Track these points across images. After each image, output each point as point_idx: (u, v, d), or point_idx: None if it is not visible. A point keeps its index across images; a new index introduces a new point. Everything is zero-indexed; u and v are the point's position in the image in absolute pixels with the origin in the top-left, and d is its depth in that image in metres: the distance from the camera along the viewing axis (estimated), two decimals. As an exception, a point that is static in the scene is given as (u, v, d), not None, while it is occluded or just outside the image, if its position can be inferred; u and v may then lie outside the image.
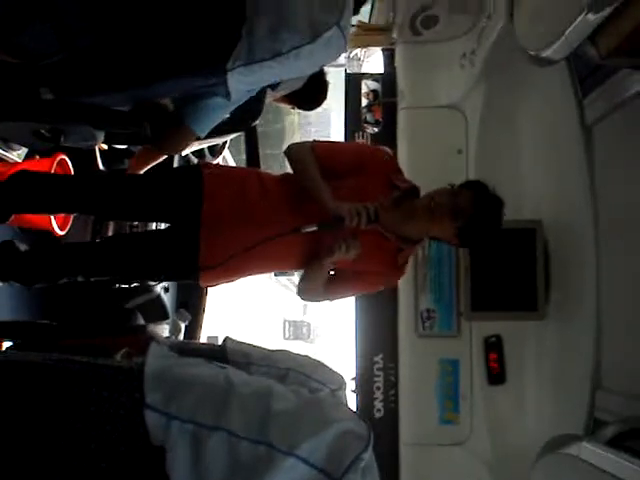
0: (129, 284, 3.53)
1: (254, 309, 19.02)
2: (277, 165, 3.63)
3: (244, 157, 4.22)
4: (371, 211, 2.79)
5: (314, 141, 3.12)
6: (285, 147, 3.12)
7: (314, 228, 2.84)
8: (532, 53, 2.67)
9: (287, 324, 29.74)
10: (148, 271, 3.20)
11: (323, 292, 3.16)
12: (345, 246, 2.79)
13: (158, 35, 2.56)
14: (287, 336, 29.92)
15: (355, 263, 3.01)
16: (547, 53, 2.56)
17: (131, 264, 3.14)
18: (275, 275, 4.24)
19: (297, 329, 30.07)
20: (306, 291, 3.20)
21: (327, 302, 3.34)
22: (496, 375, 3.95)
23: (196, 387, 1.41)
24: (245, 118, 3.31)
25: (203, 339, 5.13)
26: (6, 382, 1.42)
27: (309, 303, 3.56)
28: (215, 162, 4.27)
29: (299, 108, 3.82)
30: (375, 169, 3.06)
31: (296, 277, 3.49)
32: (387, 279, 3.35)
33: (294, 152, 3.07)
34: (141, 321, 3.93)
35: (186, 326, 4.51)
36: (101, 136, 3.03)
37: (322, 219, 2.88)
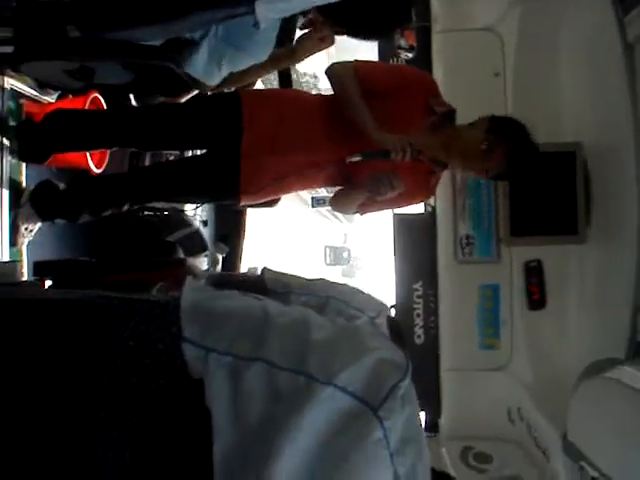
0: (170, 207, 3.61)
1: (295, 237, 19.15)
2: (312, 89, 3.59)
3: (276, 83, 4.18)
4: (415, 147, 2.80)
5: (356, 61, 3.08)
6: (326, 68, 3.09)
7: (359, 158, 2.85)
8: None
9: (328, 250, 30.16)
10: (190, 192, 3.25)
11: (355, 208, 3.21)
12: (390, 185, 2.77)
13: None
14: (328, 262, 30.31)
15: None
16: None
17: (173, 186, 3.18)
18: (313, 206, 4.30)
19: (337, 255, 30.53)
20: (339, 207, 3.32)
21: (358, 215, 3.38)
22: (537, 300, 3.94)
23: (233, 319, 1.42)
24: (276, 43, 3.28)
25: (243, 270, 5.18)
26: (47, 319, 1.44)
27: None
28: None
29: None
30: (415, 92, 3.02)
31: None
32: (418, 199, 3.46)
33: (335, 73, 3.03)
34: (181, 254, 3.97)
35: (224, 258, 4.54)
36: (131, 75, 3.03)
37: (365, 148, 2.88)
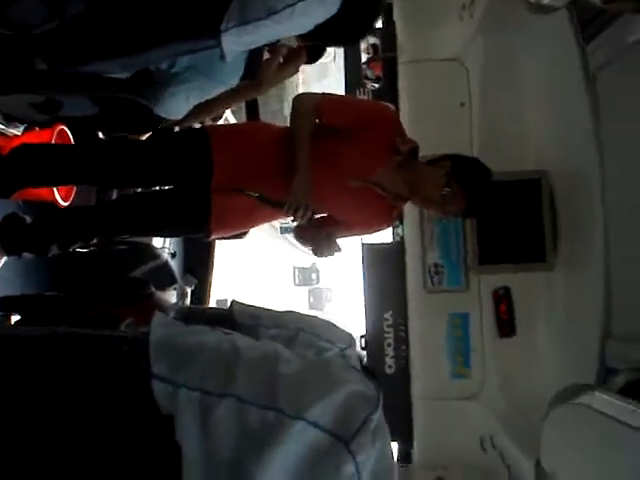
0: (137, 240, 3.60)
1: (263, 258, 19.23)
2: (280, 121, 3.60)
3: (244, 115, 4.19)
4: (307, 215, 2.87)
5: (323, 94, 3.10)
6: (288, 101, 3.13)
7: (255, 195, 2.90)
8: (532, 1, 2.63)
9: (297, 271, 30.44)
10: (159, 226, 3.25)
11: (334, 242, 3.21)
12: (294, 212, 2.84)
13: (150, -1, 2.53)
14: (297, 282, 30.58)
15: (351, 215, 3.18)
16: (547, 0, 2.52)
17: (142, 219, 3.17)
18: (281, 233, 4.33)
19: (306, 276, 30.89)
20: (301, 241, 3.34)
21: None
22: (506, 327, 3.95)
23: (202, 354, 1.40)
24: (242, 77, 3.28)
25: (212, 302, 5.15)
26: (12, 357, 1.42)
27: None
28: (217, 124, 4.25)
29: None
30: (381, 131, 3.04)
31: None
32: (378, 229, 3.47)
33: (298, 103, 3.06)
34: (150, 288, 3.93)
35: (193, 290, 4.52)
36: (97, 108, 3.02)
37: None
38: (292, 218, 2.88)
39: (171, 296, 4.05)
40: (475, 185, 2.94)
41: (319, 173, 2.95)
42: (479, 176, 2.99)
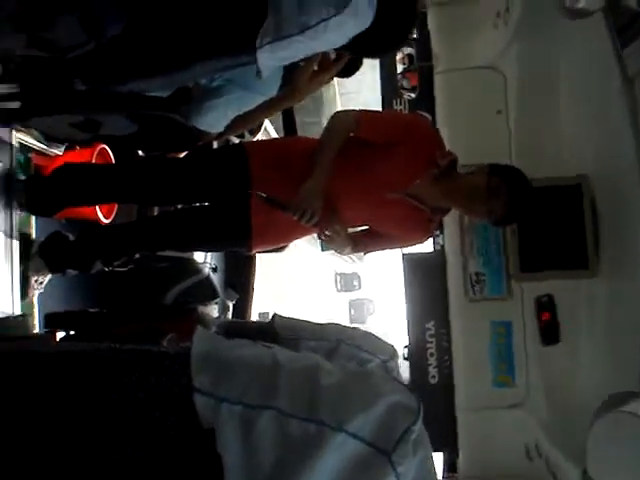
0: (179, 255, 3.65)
1: (305, 265, 19.26)
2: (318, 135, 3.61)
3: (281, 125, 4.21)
4: (313, 220, 2.86)
5: (360, 110, 3.11)
6: (325, 113, 3.15)
7: (263, 197, 2.91)
8: (567, 6, 2.61)
9: (338, 277, 30.57)
10: (200, 241, 3.29)
11: (354, 247, 3.23)
12: (300, 215, 2.85)
13: (186, 18, 2.56)
14: (339, 288, 30.68)
15: (388, 228, 3.21)
16: (583, 4, 2.51)
17: (184, 234, 3.22)
18: (322, 250, 4.33)
19: (348, 282, 31.00)
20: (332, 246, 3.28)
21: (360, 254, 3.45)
22: (550, 335, 3.91)
23: (243, 368, 1.42)
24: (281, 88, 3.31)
25: (254, 316, 5.17)
26: (57, 373, 1.45)
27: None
28: (255, 139, 4.28)
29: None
30: (418, 145, 3.04)
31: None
32: (415, 242, 3.50)
33: (335, 119, 3.08)
34: (191, 303, 3.97)
35: (234, 304, 4.54)
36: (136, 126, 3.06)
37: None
38: (299, 220, 2.87)
39: (213, 310, 4.08)
40: (514, 178, 2.95)
41: (358, 187, 2.97)
42: (515, 171, 3.01)
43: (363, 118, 3.05)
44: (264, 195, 2.92)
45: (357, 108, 3.19)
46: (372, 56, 3.26)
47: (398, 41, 2.99)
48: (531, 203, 3.01)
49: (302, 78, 3.23)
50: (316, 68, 3.24)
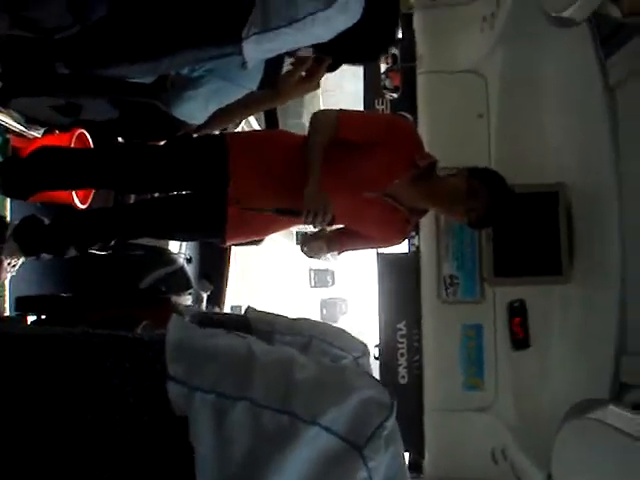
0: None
1: (279, 260, 19.27)
2: (298, 128, 3.61)
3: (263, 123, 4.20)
4: (327, 218, 2.83)
5: (340, 111, 3.10)
6: (307, 114, 3.16)
7: (271, 210, 2.91)
8: (553, 14, 2.62)
9: (312, 273, 30.63)
10: (176, 230, 3.27)
11: (327, 248, 3.27)
12: (314, 218, 2.83)
13: (172, 5, 2.55)
14: (313, 284, 30.74)
15: (365, 228, 3.21)
16: (568, 13, 2.52)
17: (160, 223, 3.19)
18: (297, 243, 4.37)
19: (322, 277, 31.08)
20: (309, 252, 3.32)
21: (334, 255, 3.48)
22: (520, 340, 3.94)
23: (218, 357, 1.41)
24: (262, 86, 3.29)
25: (227, 309, 5.16)
26: (28, 356, 1.43)
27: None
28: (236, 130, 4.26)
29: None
30: (398, 146, 3.05)
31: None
32: (392, 243, 3.49)
33: (316, 119, 3.07)
34: (165, 292, 3.96)
35: (208, 296, 4.53)
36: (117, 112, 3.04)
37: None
38: (312, 224, 2.88)
39: (186, 301, 4.07)
40: (493, 180, 2.98)
41: (336, 186, 2.96)
42: (494, 174, 3.03)
43: (344, 119, 3.05)
44: (271, 210, 2.93)
45: (337, 107, 3.18)
46: (354, 62, 3.26)
47: (380, 49, 3.01)
48: (510, 205, 3.02)
49: (288, 82, 3.22)
50: (303, 74, 3.23)
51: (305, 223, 2.88)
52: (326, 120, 3.05)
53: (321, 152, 2.94)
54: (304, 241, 3.24)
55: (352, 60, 3.12)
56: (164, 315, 1.60)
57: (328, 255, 3.38)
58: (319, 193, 2.85)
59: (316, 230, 3.03)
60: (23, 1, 2.33)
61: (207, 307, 4.42)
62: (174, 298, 3.18)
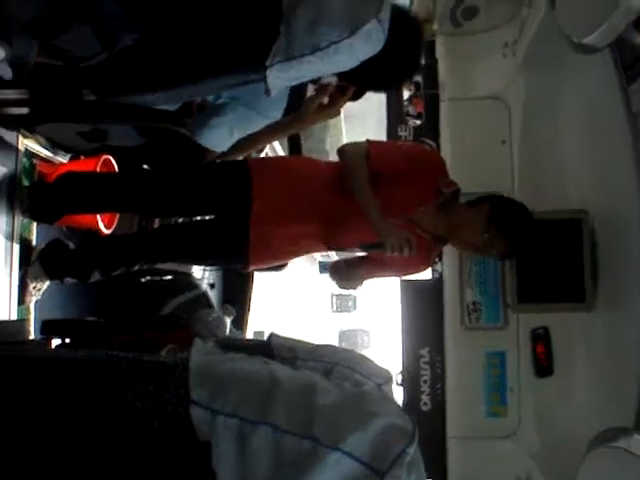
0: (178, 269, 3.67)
1: (302, 285, 19.28)
2: (322, 156, 3.63)
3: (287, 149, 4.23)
4: (413, 244, 2.84)
5: (368, 142, 3.11)
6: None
7: (357, 250, 2.94)
8: (575, 40, 2.63)
9: (334, 298, 30.48)
10: (199, 255, 3.30)
11: (355, 281, 3.32)
12: (401, 248, 2.82)
13: (198, 33, 2.58)
14: (335, 309, 30.55)
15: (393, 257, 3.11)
16: (590, 40, 2.52)
17: (183, 248, 3.22)
18: (320, 273, 4.39)
19: (344, 302, 30.87)
20: (338, 281, 3.37)
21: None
22: (544, 367, 3.90)
23: (240, 382, 1.42)
24: (286, 114, 3.32)
25: (250, 334, 5.16)
26: (52, 379, 1.44)
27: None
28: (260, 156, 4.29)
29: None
30: (424, 175, 3.07)
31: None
32: (417, 270, 3.52)
33: (347, 155, 3.08)
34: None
35: (232, 321, 4.54)
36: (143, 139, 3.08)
37: (364, 235, 3.02)
38: (399, 253, 2.86)
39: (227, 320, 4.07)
40: (515, 230, 2.95)
41: (355, 213, 2.98)
42: (519, 220, 3.00)
43: (373, 151, 3.06)
44: (357, 249, 2.96)
45: (361, 134, 3.20)
46: (377, 90, 3.28)
47: (403, 77, 3.03)
48: (529, 244, 3.01)
49: (310, 107, 3.24)
50: (326, 101, 3.25)
51: (392, 254, 2.86)
52: (357, 153, 3.06)
53: (368, 184, 2.95)
54: (336, 274, 3.25)
55: (375, 88, 3.14)
56: (187, 338, 1.61)
57: (361, 285, 3.37)
58: (389, 225, 2.86)
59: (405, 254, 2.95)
60: (52, 30, 2.37)
61: (231, 332, 4.43)
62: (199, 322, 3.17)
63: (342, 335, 31.26)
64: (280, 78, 2.60)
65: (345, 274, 3.28)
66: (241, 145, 3.32)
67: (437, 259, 4.21)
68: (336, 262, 3.41)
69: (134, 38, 2.53)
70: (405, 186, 3.02)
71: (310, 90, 3.26)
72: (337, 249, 3.37)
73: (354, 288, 3.31)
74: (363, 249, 2.98)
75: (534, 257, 3.75)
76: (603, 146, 3.44)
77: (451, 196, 3.06)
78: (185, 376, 1.38)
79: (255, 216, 3.05)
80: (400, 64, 2.84)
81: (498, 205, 3.01)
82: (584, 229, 3.65)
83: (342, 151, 3.12)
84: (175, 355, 1.84)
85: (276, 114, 3.21)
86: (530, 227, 3.00)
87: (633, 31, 2.37)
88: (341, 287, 3.32)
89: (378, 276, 3.42)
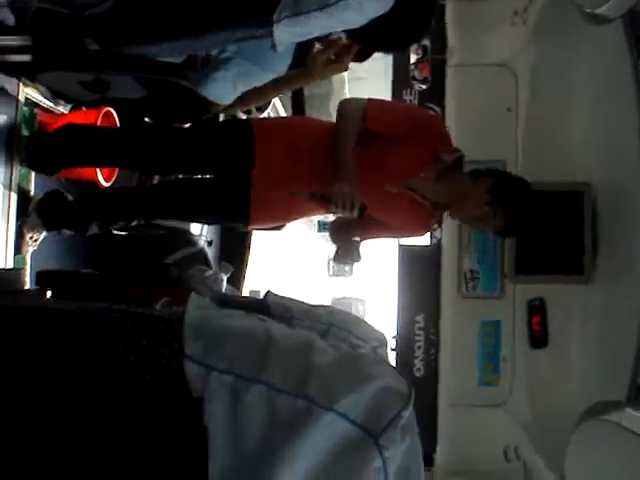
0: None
1: (298, 249, 19.33)
2: (324, 116, 3.59)
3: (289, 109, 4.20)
4: (356, 208, 2.76)
5: (369, 100, 3.07)
6: (334, 101, 3.14)
7: (305, 195, 2.86)
8: (587, 10, 2.60)
9: (331, 262, 30.51)
10: (199, 212, 3.28)
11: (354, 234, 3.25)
12: (342, 207, 2.79)
13: (205, -15, 2.54)
14: (331, 273, 30.59)
15: (387, 219, 3.18)
16: (602, 10, 2.50)
17: (183, 205, 3.20)
18: (319, 231, 4.36)
19: (340, 267, 30.88)
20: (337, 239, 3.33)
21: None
22: (538, 338, 3.92)
23: (236, 338, 1.40)
24: (291, 68, 3.28)
25: (246, 293, 5.16)
26: (46, 329, 1.43)
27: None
28: (262, 116, 4.25)
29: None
30: (425, 139, 3.01)
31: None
32: (415, 234, 3.49)
33: (344, 108, 3.04)
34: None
35: (228, 279, 4.53)
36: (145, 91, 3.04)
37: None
38: (342, 212, 2.84)
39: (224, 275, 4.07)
40: (515, 207, 2.91)
41: (359, 175, 2.94)
42: (520, 198, 2.95)
43: (372, 109, 3.01)
44: (305, 194, 2.90)
45: (366, 95, 3.15)
46: (387, 50, 3.23)
47: (412, 39, 2.98)
48: (529, 220, 2.98)
49: (317, 62, 3.20)
50: (332, 57, 3.21)
51: (335, 211, 2.85)
52: (355, 108, 3.01)
53: (352, 140, 2.91)
54: (337, 252, 3.23)
55: (382, 48, 3.09)
56: (184, 294, 1.59)
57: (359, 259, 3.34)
58: (349, 182, 2.81)
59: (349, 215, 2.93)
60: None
61: (227, 289, 4.42)
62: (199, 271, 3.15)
63: (336, 303, 31.08)
64: (287, 33, 2.55)
65: (343, 238, 3.25)
66: (246, 98, 3.28)
67: (437, 225, 4.19)
68: (335, 224, 3.38)
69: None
70: (404, 150, 2.98)
71: (316, 47, 3.22)
72: None
73: (352, 262, 3.28)
74: (310, 198, 2.91)
75: (534, 228, 3.74)
76: (610, 118, 3.41)
77: (454, 163, 3.02)
78: (180, 330, 1.37)
79: (256, 178, 3.03)
80: (410, 25, 2.79)
81: (501, 181, 2.97)
82: (586, 202, 3.64)
83: (342, 103, 3.08)
84: (170, 309, 1.83)
85: (281, 69, 3.17)
86: (531, 207, 2.96)
87: (647, 2, 2.33)
88: (340, 262, 3.30)
89: (373, 237, 3.39)
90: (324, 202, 2.82)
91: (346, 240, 3.19)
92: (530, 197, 2.95)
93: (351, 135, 2.93)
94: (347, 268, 31.15)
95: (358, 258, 3.18)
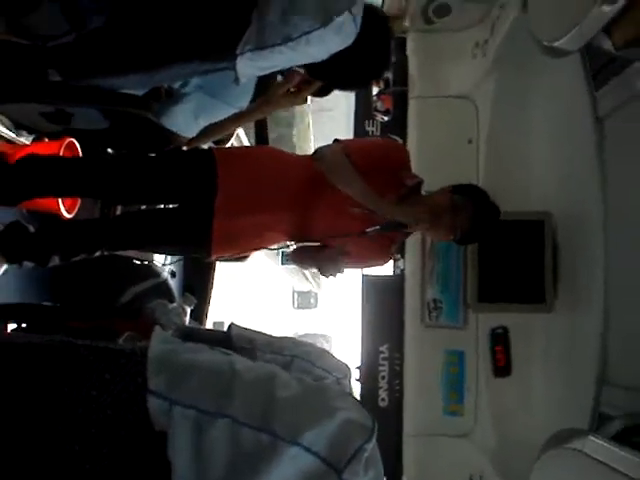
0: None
1: (263, 282, 19.23)
2: (287, 147, 3.60)
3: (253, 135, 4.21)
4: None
5: (337, 141, 3.09)
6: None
7: (376, 228, 2.94)
8: (545, 43, 2.64)
9: (296, 294, 30.41)
10: (161, 242, 3.25)
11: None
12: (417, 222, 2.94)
13: (169, 18, 2.55)
14: (296, 305, 30.48)
15: (352, 249, 3.13)
16: (561, 44, 2.54)
17: (145, 235, 3.17)
18: (282, 264, 4.34)
19: (305, 299, 30.77)
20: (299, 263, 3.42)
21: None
22: (502, 367, 3.93)
23: (199, 373, 1.40)
24: (252, 101, 3.30)
25: (209, 324, 5.13)
26: (7, 364, 1.41)
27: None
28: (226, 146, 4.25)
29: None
30: (390, 168, 3.05)
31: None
32: (377, 263, 3.50)
33: (328, 161, 3.04)
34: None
35: (192, 310, 4.50)
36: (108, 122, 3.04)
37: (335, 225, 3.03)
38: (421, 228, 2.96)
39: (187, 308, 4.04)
40: (477, 196, 2.97)
41: (323, 202, 2.96)
42: (478, 190, 3.03)
43: (349, 148, 3.04)
44: (377, 229, 2.96)
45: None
46: (344, 88, 3.26)
47: (371, 76, 3.03)
48: (494, 218, 3.01)
49: (277, 92, 3.22)
50: (293, 89, 3.23)
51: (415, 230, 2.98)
52: (337, 159, 3.02)
53: (355, 177, 2.95)
54: (319, 264, 3.22)
55: (342, 86, 3.13)
56: (146, 327, 1.58)
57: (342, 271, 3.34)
58: (394, 203, 2.90)
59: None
60: (18, 7, 2.33)
61: (190, 322, 4.40)
62: (161, 305, 3.13)
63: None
64: (250, 67, 2.57)
65: (321, 255, 3.24)
66: (208, 131, 3.29)
67: (399, 255, 4.21)
68: (299, 249, 3.37)
69: (104, 19, 2.49)
70: (372, 179, 3.01)
71: (278, 79, 3.24)
72: (305, 240, 3.33)
73: (337, 272, 3.26)
74: (384, 230, 2.96)
75: (495, 257, 3.78)
76: (569, 149, 3.47)
77: (413, 188, 3.06)
78: (143, 364, 1.36)
79: (219, 207, 3.02)
80: (369, 63, 2.83)
81: (460, 185, 3.05)
82: (546, 231, 3.68)
83: (320, 156, 3.07)
84: (133, 343, 1.81)
85: (243, 103, 3.19)
86: (492, 205, 3.01)
87: (603, 36, 2.38)
88: (327, 274, 3.26)
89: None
90: (399, 228, 2.93)
91: (330, 252, 3.17)
92: (487, 197, 3.00)
93: (354, 172, 2.95)
94: (312, 300, 31.11)
95: (342, 269, 3.17)
